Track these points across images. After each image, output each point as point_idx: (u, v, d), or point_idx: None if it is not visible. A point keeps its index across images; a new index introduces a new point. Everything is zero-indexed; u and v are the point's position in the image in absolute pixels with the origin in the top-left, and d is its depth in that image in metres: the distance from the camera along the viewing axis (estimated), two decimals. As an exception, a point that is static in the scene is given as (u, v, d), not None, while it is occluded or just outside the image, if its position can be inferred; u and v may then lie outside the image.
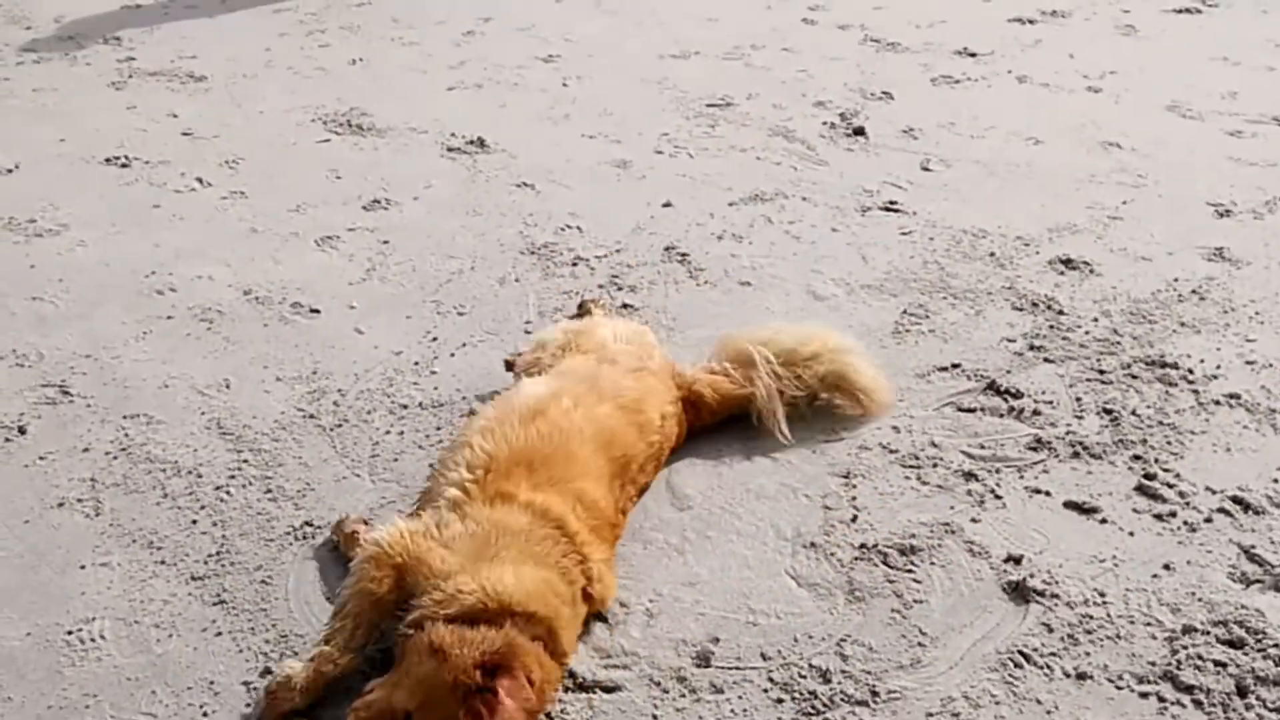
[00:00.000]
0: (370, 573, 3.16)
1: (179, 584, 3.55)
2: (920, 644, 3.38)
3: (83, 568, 3.61)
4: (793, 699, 3.19)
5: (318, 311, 5.09)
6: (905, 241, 5.88)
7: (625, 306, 5.15)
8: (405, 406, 4.44)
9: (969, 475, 4.10)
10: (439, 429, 4.30)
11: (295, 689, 3.05)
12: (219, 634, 3.36)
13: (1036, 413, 4.44)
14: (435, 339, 4.90)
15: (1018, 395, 4.53)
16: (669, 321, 5.06)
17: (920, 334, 5.02)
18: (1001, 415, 4.44)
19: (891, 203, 6.29)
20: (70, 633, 3.37)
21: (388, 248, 5.69)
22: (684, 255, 5.66)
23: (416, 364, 4.71)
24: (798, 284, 5.44)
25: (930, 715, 3.15)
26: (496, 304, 5.19)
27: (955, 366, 4.75)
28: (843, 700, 3.19)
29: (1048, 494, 4.02)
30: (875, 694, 3.21)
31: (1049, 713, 3.17)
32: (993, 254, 5.74)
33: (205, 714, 3.11)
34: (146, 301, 5.13)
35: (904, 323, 5.09)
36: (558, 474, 3.47)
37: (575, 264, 5.55)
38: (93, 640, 3.34)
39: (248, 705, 3.11)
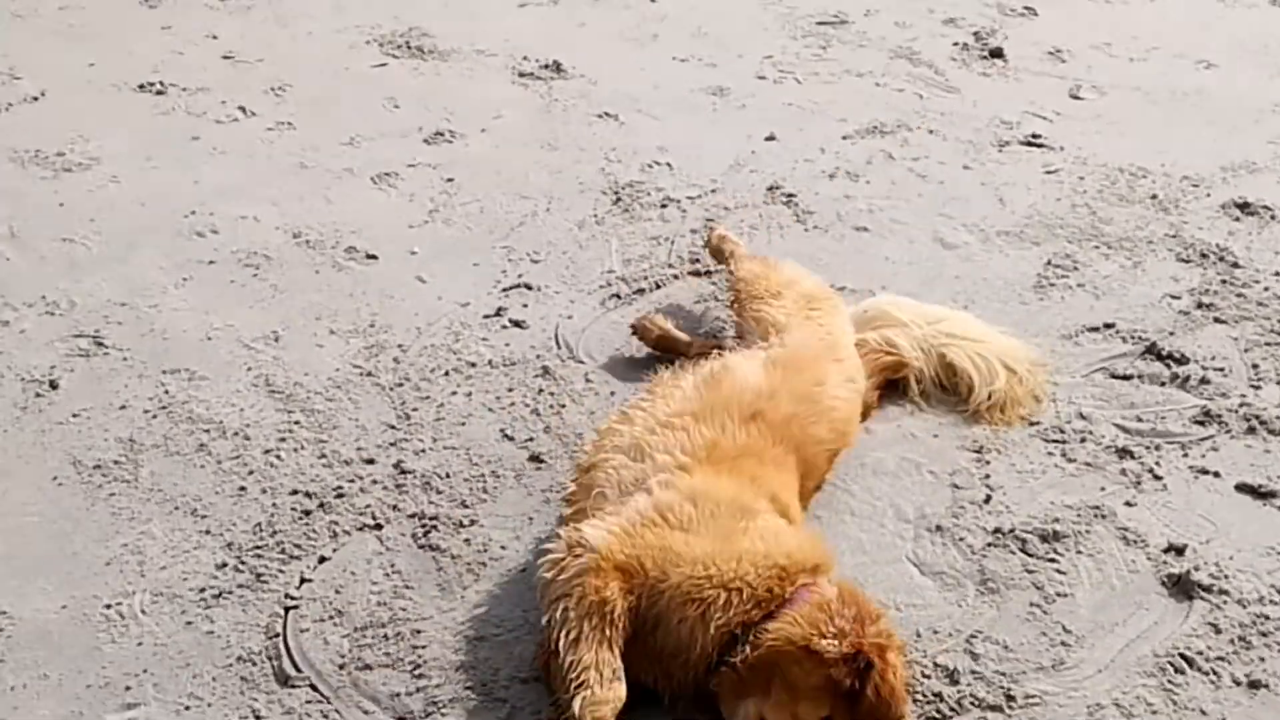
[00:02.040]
0: (593, 584, 3.11)
1: (225, 555, 3.67)
2: (1064, 643, 3.37)
3: (121, 536, 3.75)
4: (915, 701, 3.20)
5: (375, 257, 5.19)
6: (1050, 181, 5.79)
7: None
8: (473, 365, 4.51)
9: (1123, 452, 4.05)
10: (511, 390, 4.37)
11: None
12: (270, 611, 3.48)
13: (1205, 381, 4.37)
14: (506, 289, 4.97)
15: (1182, 360, 4.46)
16: (773, 272, 5.07)
17: (1067, 288, 4.95)
18: (1163, 384, 4.38)
19: (1034, 136, 6.20)
20: (109, 606, 3.51)
21: (452, 186, 5.77)
22: (790, 196, 5.65)
23: (485, 317, 4.78)
24: (923, 230, 5.40)
25: (1075, 724, 3.15)
26: (575, 250, 5.24)
27: (1109, 327, 4.69)
28: (972, 704, 3.19)
29: (1217, 475, 3.96)
30: (1010, 698, 3.20)
31: (1215, 725, 3.15)
32: (1154, 196, 5.64)
33: (254, 698, 3.22)
34: (186, 244, 5.28)
35: (1048, 275, 5.03)
36: (773, 479, 3.53)
37: (664, 205, 5.57)
38: (133, 615, 3.48)
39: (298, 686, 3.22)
